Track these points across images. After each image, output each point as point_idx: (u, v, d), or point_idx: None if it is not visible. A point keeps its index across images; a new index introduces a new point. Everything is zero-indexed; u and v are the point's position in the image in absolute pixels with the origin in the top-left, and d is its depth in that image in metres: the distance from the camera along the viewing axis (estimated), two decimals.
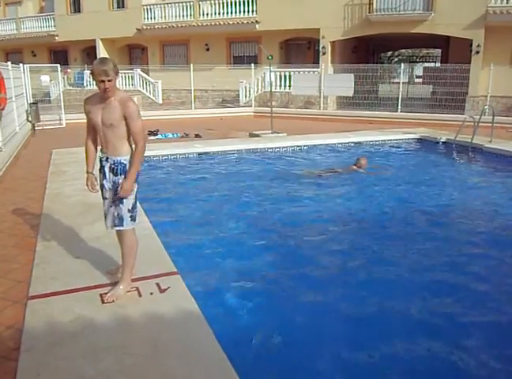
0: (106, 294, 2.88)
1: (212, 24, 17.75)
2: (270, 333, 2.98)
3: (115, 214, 2.85)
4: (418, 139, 10.15)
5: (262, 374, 2.62)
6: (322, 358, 2.75)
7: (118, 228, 2.89)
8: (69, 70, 19.90)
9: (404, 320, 3.15)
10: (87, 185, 3.04)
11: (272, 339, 2.92)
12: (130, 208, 2.85)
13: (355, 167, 7.15)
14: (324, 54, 15.88)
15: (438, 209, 5.60)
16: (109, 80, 2.63)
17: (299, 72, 15.45)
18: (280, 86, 15.94)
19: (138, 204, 3.00)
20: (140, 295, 2.91)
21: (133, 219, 2.88)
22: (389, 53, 30.93)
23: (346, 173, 7.07)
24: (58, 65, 13.58)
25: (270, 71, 12.29)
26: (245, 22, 17.08)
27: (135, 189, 2.85)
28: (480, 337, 2.95)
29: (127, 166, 2.80)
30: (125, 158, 2.80)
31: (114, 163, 2.80)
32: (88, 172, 3.01)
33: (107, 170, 2.84)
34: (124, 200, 2.82)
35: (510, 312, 3.31)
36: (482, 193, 6.43)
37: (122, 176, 2.79)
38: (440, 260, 4.13)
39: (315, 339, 2.95)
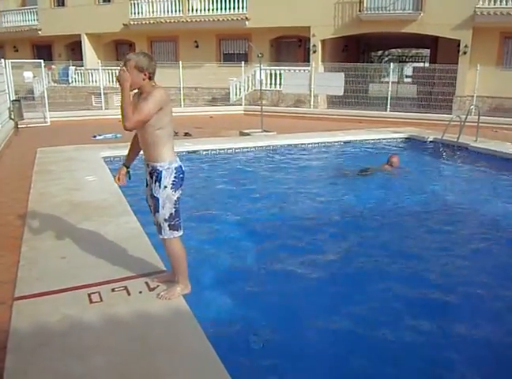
0: (161, 292, 2.88)
1: (202, 20, 17.63)
2: (259, 329, 2.98)
3: (155, 222, 2.81)
4: (406, 138, 10.25)
5: (251, 369, 2.62)
6: (311, 357, 2.76)
7: (159, 236, 2.83)
8: (53, 66, 19.57)
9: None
10: (115, 175, 3.00)
11: (260, 336, 2.92)
12: (167, 217, 2.72)
13: (387, 166, 7.21)
14: (314, 52, 15.91)
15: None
16: (123, 70, 2.56)
17: (289, 70, 15.46)
18: (271, 84, 15.94)
19: (171, 210, 2.75)
20: (129, 294, 2.88)
21: (172, 228, 2.75)
22: (380, 52, 31.15)
23: (380, 172, 7.16)
24: (42, 61, 13.24)
25: (260, 69, 12.27)
26: (235, 19, 17.00)
27: (174, 197, 2.72)
28: None
29: (163, 174, 2.67)
30: (161, 164, 2.68)
31: (152, 170, 2.72)
32: (122, 164, 2.98)
33: (147, 176, 2.78)
34: (160, 209, 2.72)
35: None
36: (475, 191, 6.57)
37: (157, 184, 2.69)
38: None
39: (304, 335, 2.97)
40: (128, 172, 2.98)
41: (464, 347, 2.90)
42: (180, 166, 2.75)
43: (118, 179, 2.96)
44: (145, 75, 2.59)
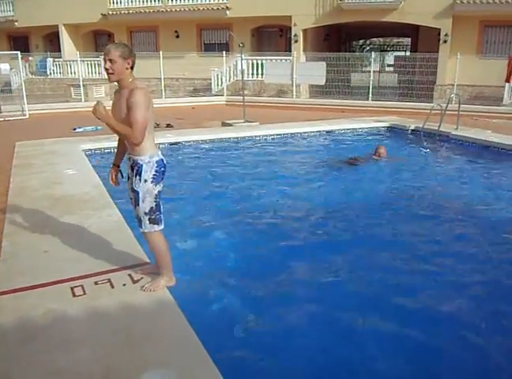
0: (146, 285, 2.86)
1: (182, 9, 17.36)
2: (243, 319, 3.00)
3: (135, 215, 2.78)
4: (388, 127, 10.35)
5: (236, 358, 2.63)
6: (294, 354, 2.77)
7: (140, 229, 2.82)
8: (30, 58, 19.06)
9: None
10: (108, 176, 3.01)
11: (245, 325, 2.94)
12: (147, 211, 2.70)
13: (375, 157, 7.30)
14: (296, 41, 15.86)
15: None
16: (110, 60, 2.53)
17: (271, 60, 15.39)
18: (253, 74, 15.85)
19: (152, 203, 2.73)
20: (112, 287, 2.87)
21: (153, 222, 2.74)
22: (361, 41, 31.21)
23: (367, 162, 7.21)
24: (19, 53, 12.85)
25: (242, 59, 12.18)
26: (215, 8, 16.80)
27: (155, 191, 2.70)
28: None
29: (144, 168, 2.64)
30: (141, 158, 2.65)
31: (133, 163, 2.69)
32: (112, 164, 2.98)
33: (129, 170, 2.75)
34: (140, 203, 2.69)
35: None
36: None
37: (138, 177, 2.66)
38: None
39: (286, 328, 3.00)
40: (120, 171, 2.98)
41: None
42: (161, 160, 2.73)
43: (112, 180, 2.98)
44: (129, 64, 2.59)
